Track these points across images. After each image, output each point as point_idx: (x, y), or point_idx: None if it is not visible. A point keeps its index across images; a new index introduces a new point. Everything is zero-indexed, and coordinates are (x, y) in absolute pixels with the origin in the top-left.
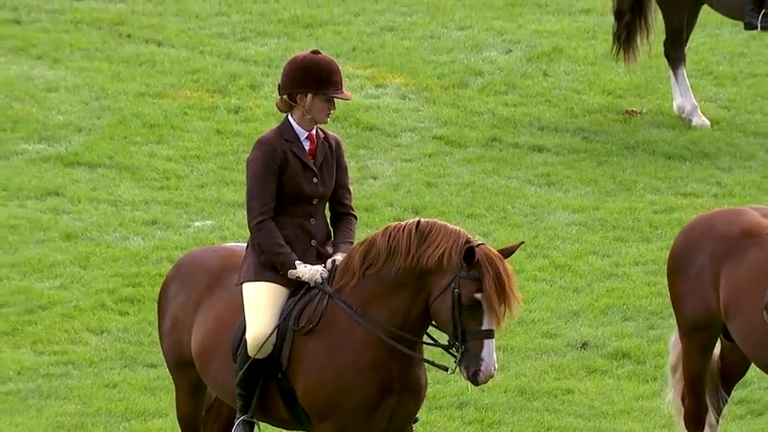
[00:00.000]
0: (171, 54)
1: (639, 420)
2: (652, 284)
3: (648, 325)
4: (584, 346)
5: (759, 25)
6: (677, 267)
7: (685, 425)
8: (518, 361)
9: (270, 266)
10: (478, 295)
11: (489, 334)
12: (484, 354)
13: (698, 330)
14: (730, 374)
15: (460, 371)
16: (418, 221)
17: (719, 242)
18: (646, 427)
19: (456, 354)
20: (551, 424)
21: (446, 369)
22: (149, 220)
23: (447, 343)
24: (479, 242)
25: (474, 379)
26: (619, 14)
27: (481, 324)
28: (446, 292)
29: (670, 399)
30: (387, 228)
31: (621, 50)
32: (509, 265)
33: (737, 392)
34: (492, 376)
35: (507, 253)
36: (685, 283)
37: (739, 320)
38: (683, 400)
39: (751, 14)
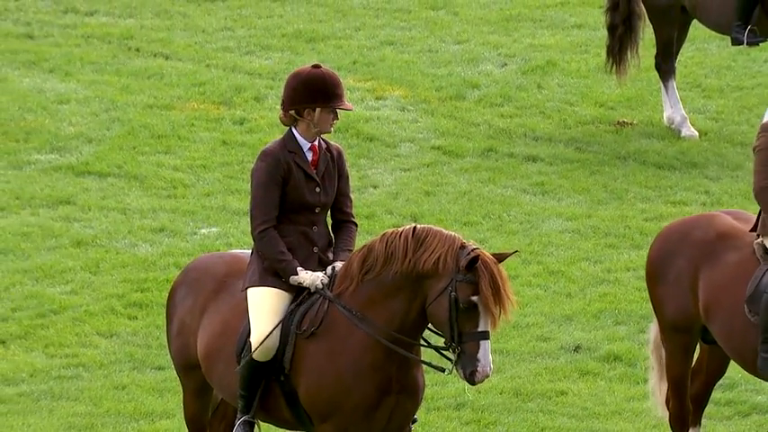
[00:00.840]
0: (178, 67)
1: (631, 421)
2: (643, 290)
3: (639, 329)
4: (577, 349)
5: (745, 40)
6: (655, 273)
7: (671, 426)
8: (513, 363)
9: (273, 272)
10: (475, 298)
11: (485, 335)
12: (480, 354)
13: (679, 333)
14: (710, 376)
15: (457, 371)
16: (414, 227)
17: (696, 247)
18: (637, 428)
19: (452, 355)
20: (545, 424)
21: (443, 370)
22: (157, 228)
23: (444, 345)
24: (474, 247)
25: (471, 379)
26: (612, 28)
27: (477, 326)
28: (443, 296)
29: (653, 383)
30: (384, 234)
31: (615, 64)
32: (503, 268)
33: (725, 394)
34: (488, 376)
35: (501, 258)
36: (664, 287)
37: (719, 321)
38: (667, 402)
39: (738, 30)
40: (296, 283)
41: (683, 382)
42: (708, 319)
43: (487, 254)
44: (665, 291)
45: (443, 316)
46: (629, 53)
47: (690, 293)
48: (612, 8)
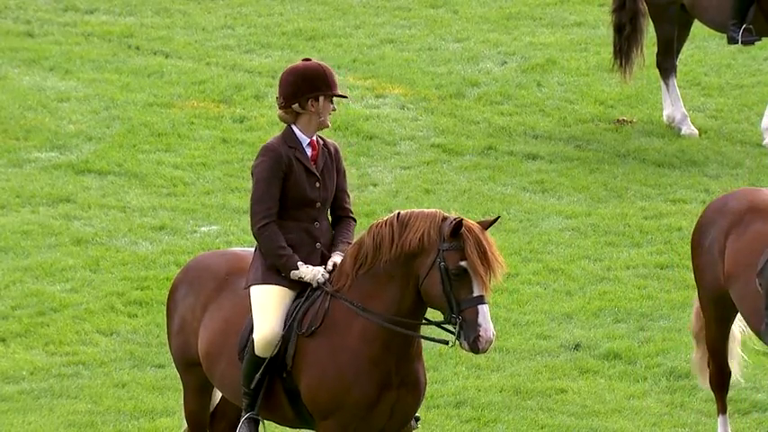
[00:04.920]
0: (178, 65)
1: (630, 419)
2: (642, 288)
3: (639, 327)
4: (577, 347)
5: (740, 39)
6: (696, 243)
7: (711, 388)
8: (513, 361)
9: (276, 270)
10: (464, 263)
11: (481, 300)
12: (480, 319)
13: (714, 301)
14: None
15: (460, 344)
16: (398, 213)
17: (728, 216)
18: (636, 425)
19: (454, 329)
20: (545, 422)
21: (446, 342)
22: (157, 226)
23: (444, 320)
24: (456, 216)
25: (475, 345)
26: (619, 28)
27: (472, 291)
28: (433, 269)
29: (694, 359)
30: (371, 226)
31: (622, 64)
32: (488, 233)
33: None
34: (491, 341)
35: (485, 225)
36: (702, 257)
37: (737, 287)
38: (708, 366)
39: (733, 29)
40: (297, 278)
41: (721, 348)
42: (728, 284)
43: (470, 221)
44: (702, 260)
45: (437, 289)
46: (634, 52)
47: (720, 261)
48: (619, 8)
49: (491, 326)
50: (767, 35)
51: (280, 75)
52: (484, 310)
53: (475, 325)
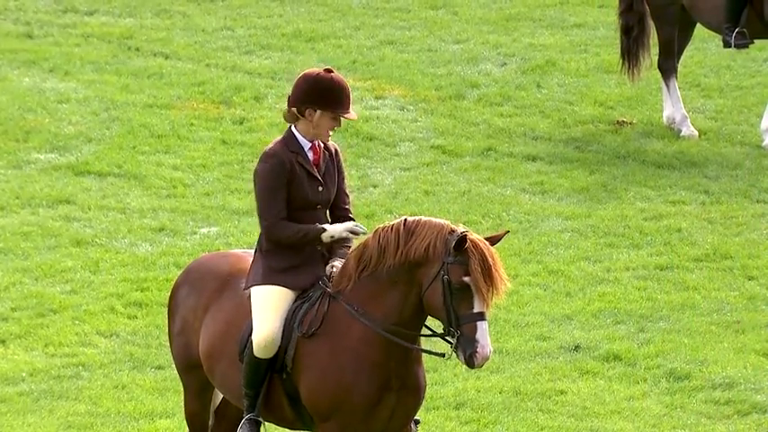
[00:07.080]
0: (178, 67)
1: (630, 420)
2: (642, 289)
3: (638, 328)
4: (577, 348)
5: (733, 43)
6: None
7: None
8: (513, 363)
9: (277, 271)
10: (467, 278)
11: (481, 316)
12: (478, 336)
13: None
14: None
15: (457, 356)
16: (405, 219)
17: None
18: (636, 427)
19: (452, 341)
20: (545, 424)
21: (443, 355)
22: (157, 227)
23: (442, 331)
24: (464, 230)
25: (470, 361)
26: (627, 31)
27: (472, 307)
28: (436, 281)
29: None
30: (377, 229)
31: (630, 66)
32: (494, 249)
33: (724, 393)
34: (487, 358)
35: (493, 241)
36: None
37: None
38: None
39: (727, 33)
40: (330, 238)
41: None
42: None
43: (477, 236)
44: None
45: (438, 301)
46: (642, 54)
47: None
48: (626, 10)
49: (488, 343)
50: (762, 37)
51: (296, 74)
52: (483, 326)
53: (472, 341)
